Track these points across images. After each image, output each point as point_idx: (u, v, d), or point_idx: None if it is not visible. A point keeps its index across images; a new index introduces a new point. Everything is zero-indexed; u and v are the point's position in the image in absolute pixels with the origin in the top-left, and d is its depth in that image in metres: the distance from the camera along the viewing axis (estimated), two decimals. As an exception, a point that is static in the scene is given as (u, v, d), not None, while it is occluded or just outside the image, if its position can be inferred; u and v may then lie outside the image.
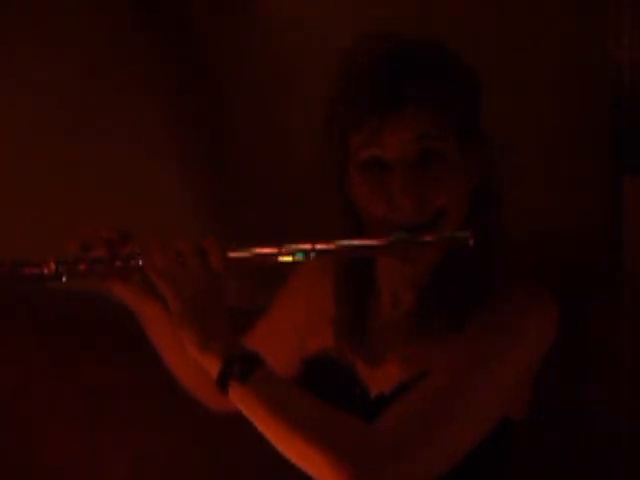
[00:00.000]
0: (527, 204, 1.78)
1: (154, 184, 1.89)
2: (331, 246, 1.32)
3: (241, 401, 1.26)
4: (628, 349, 1.74)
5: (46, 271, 1.34)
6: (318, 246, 1.31)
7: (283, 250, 1.31)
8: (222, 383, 1.26)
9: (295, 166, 1.85)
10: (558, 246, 1.79)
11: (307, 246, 1.31)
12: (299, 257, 1.32)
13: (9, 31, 1.88)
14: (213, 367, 1.27)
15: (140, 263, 1.32)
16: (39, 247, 1.48)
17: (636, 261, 1.73)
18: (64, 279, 1.35)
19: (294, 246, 1.31)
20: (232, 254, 1.32)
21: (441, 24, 1.79)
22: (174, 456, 1.93)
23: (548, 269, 1.71)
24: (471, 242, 1.30)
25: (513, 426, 1.38)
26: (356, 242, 1.32)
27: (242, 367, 1.25)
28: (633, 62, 1.72)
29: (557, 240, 1.79)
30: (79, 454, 1.94)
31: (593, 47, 1.75)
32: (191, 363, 1.32)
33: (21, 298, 1.85)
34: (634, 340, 1.74)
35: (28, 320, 1.93)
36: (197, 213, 1.92)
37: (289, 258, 1.32)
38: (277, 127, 1.88)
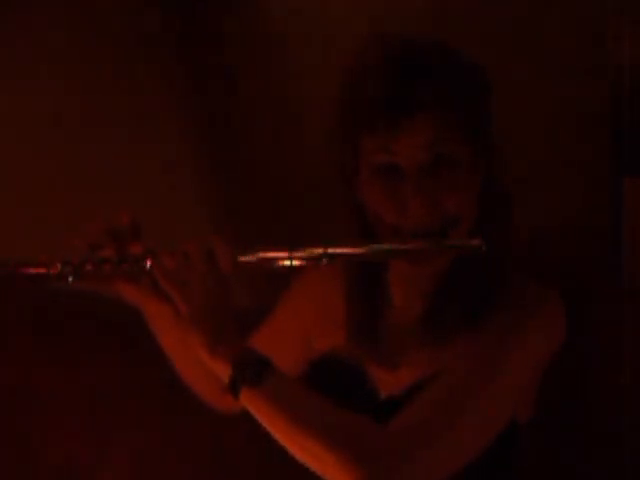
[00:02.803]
0: (527, 204, 1.78)
1: (166, 184, 1.89)
2: (342, 251, 1.29)
3: (252, 405, 1.26)
4: (628, 349, 1.75)
5: (51, 272, 1.33)
6: (330, 250, 1.28)
7: (294, 254, 1.29)
8: (233, 388, 1.26)
9: (310, 167, 1.83)
10: (558, 246, 1.79)
11: (319, 250, 1.28)
12: (311, 262, 1.29)
13: (11, 30, 1.88)
14: (223, 371, 1.26)
15: (148, 265, 1.31)
16: (44, 247, 1.48)
17: (636, 261, 1.73)
18: (70, 279, 1.33)
19: (306, 251, 1.28)
20: (242, 258, 1.29)
21: (442, 22, 1.79)
22: (175, 456, 1.93)
23: (548, 269, 1.71)
24: (484, 249, 1.28)
25: (517, 427, 1.38)
26: (368, 248, 1.30)
27: (253, 371, 1.24)
28: (633, 62, 1.72)
29: (557, 240, 1.79)
30: (79, 454, 1.94)
31: (593, 47, 1.75)
32: (198, 364, 1.31)
33: (22, 298, 1.85)
34: (634, 340, 1.74)
35: (28, 320, 1.93)
36: (209, 214, 1.91)
37: (300, 262, 1.29)
38: (290, 128, 1.87)
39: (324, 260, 1.28)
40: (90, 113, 1.89)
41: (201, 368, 1.31)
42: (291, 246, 1.29)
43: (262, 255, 1.29)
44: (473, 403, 1.27)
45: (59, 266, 1.32)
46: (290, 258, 1.29)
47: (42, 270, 1.33)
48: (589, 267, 1.79)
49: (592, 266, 1.79)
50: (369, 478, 1.20)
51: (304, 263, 1.29)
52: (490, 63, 1.76)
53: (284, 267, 1.29)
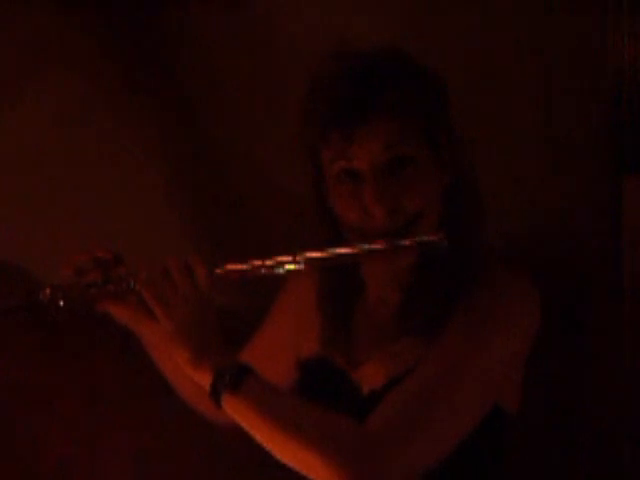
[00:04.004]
0: (527, 204, 1.78)
1: (142, 202, 1.88)
2: (312, 256, 1.35)
3: (235, 411, 1.29)
4: (628, 349, 1.75)
5: (41, 297, 1.40)
6: (299, 257, 1.34)
7: (267, 263, 1.34)
8: (215, 395, 1.28)
9: (287, 179, 1.82)
10: (558, 246, 1.79)
11: (288, 258, 1.34)
12: (286, 269, 1.34)
13: (8, 31, 1.87)
14: (206, 381, 1.29)
15: (132, 285, 1.37)
16: (29, 262, 1.48)
17: (636, 261, 1.73)
18: (61, 304, 1.40)
19: (277, 258, 1.34)
20: (218, 270, 1.35)
21: (439, 22, 1.79)
22: (174, 456, 1.93)
23: (548, 269, 1.71)
24: (446, 244, 1.32)
25: (505, 417, 1.39)
26: (334, 251, 1.35)
27: (232, 377, 1.27)
28: (633, 62, 1.72)
29: (557, 241, 1.79)
30: (79, 454, 1.94)
31: (593, 47, 1.75)
32: (189, 379, 1.34)
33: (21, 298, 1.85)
34: (634, 340, 1.74)
35: (28, 320, 1.93)
36: (185, 229, 1.90)
37: (277, 270, 1.34)
38: (267, 141, 1.86)
39: (295, 266, 1.34)
40: (76, 130, 1.86)
41: (193, 384, 1.33)
42: (263, 255, 1.34)
43: (237, 266, 1.35)
44: (449, 394, 1.29)
45: (49, 292, 1.40)
46: (262, 267, 1.34)
47: (33, 296, 1.41)
48: (589, 267, 1.79)
49: (592, 266, 1.79)
50: (354, 476, 1.22)
51: (278, 272, 1.34)
52: (490, 63, 1.77)
53: (261, 277, 1.35)
